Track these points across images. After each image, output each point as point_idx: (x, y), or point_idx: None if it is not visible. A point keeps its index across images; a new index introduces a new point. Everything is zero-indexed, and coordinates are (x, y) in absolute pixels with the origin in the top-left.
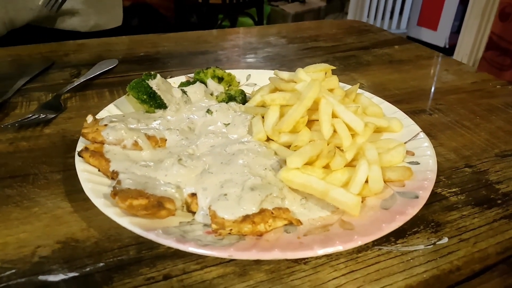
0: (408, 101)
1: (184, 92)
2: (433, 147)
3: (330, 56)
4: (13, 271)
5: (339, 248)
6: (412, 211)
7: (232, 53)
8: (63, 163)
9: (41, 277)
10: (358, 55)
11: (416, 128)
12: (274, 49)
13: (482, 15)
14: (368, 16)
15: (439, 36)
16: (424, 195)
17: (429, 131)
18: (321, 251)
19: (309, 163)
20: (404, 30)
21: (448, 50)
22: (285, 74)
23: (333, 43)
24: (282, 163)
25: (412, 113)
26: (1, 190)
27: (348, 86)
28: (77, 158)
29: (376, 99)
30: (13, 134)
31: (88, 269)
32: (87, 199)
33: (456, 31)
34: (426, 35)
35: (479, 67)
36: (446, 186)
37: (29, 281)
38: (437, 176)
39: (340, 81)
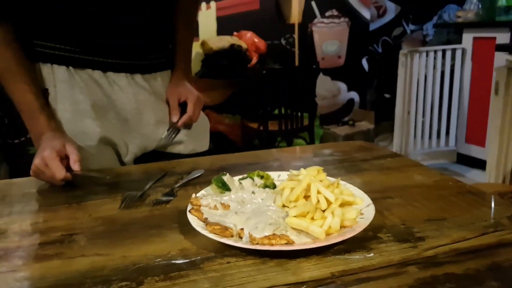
0: (381, 192)
1: (240, 182)
2: (386, 216)
3: (340, 165)
4: (159, 259)
5: (307, 246)
6: (349, 235)
7: (273, 163)
8: (178, 220)
9: (174, 261)
10: (359, 165)
11: (370, 201)
12: (302, 162)
13: (501, 130)
14: (415, 137)
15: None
16: (358, 229)
17: (388, 208)
18: (299, 247)
19: (302, 215)
20: (453, 148)
21: None
22: (295, 172)
23: (343, 157)
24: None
25: (381, 198)
26: (149, 232)
27: (343, 182)
28: (188, 214)
29: (352, 188)
30: (151, 208)
31: (193, 258)
32: (192, 233)
33: None
34: (475, 151)
35: None
36: (384, 233)
37: (169, 263)
38: (381, 230)
39: (342, 179)
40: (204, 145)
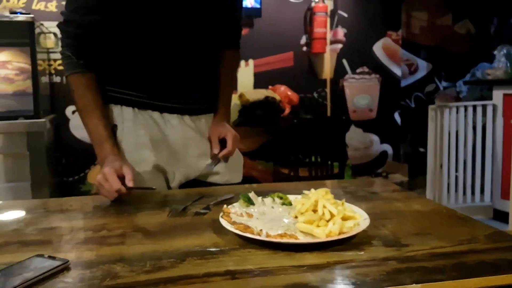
0: (381, 214)
1: (262, 200)
2: (380, 229)
3: (350, 194)
4: (197, 248)
5: (310, 241)
6: (345, 236)
7: (295, 190)
8: (213, 225)
9: (208, 249)
10: (368, 195)
11: (366, 216)
12: None
13: None
14: (448, 191)
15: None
16: (352, 234)
17: (383, 224)
18: (304, 242)
19: (310, 223)
20: (489, 203)
21: None
22: (307, 192)
23: (356, 189)
24: None
25: (379, 218)
26: (190, 231)
27: (347, 204)
28: (220, 218)
29: (354, 208)
30: (191, 217)
31: (222, 248)
32: (223, 232)
33: None
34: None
35: None
36: (376, 240)
37: (204, 250)
38: (374, 238)
39: (355, 204)
40: (238, 177)
